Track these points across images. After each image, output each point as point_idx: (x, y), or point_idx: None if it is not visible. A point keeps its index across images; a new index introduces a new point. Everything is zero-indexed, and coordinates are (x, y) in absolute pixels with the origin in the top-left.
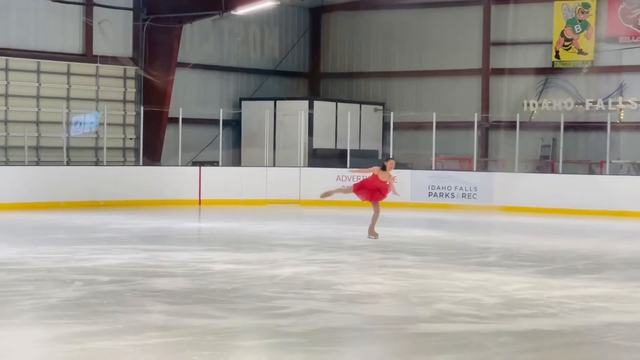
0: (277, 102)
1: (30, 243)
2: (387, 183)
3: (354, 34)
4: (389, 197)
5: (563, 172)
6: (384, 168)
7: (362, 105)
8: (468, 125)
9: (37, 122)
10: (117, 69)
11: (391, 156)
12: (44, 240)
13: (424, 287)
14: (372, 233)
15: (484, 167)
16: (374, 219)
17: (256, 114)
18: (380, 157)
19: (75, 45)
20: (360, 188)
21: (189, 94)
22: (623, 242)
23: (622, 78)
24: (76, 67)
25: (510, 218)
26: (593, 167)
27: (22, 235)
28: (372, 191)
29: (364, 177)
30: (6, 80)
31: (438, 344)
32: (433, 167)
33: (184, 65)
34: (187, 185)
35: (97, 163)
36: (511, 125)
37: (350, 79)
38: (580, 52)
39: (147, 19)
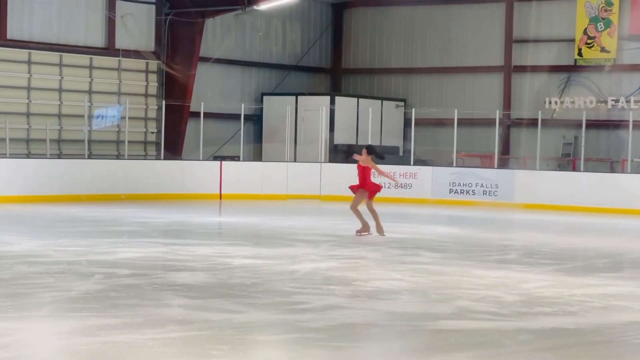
0: (299, 97)
1: (51, 236)
2: (369, 167)
3: (376, 29)
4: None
5: (584, 170)
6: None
7: (384, 101)
8: (489, 122)
9: (59, 115)
10: (139, 63)
11: (412, 151)
12: (64, 233)
13: (443, 284)
14: (380, 230)
15: (505, 164)
16: (376, 218)
17: (277, 109)
18: (401, 153)
19: (97, 38)
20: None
21: (210, 88)
22: None
23: None
24: (98, 60)
25: (531, 216)
26: (614, 165)
27: (43, 228)
28: (361, 181)
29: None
30: (29, 73)
31: (457, 341)
32: (454, 164)
33: (205, 59)
34: (208, 179)
35: (118, 157)
36: (533, 123)
37: (372, 74)
38: (602, 50)
39: (169, 13)
